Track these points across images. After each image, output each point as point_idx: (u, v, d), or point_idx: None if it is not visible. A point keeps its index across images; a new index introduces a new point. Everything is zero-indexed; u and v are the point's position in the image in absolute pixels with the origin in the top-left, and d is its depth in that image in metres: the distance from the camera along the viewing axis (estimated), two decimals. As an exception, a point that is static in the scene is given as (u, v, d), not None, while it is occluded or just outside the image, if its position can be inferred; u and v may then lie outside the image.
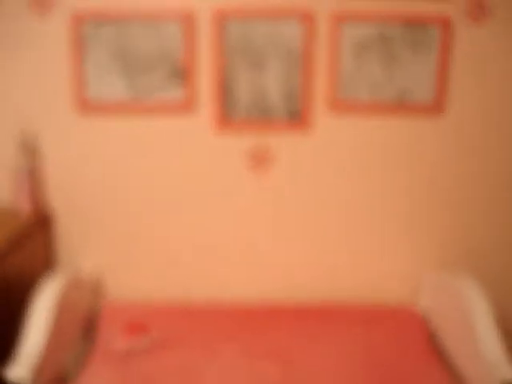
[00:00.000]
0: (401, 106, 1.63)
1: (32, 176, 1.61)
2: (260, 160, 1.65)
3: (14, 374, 1.22)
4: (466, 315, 1.40)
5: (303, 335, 1.57)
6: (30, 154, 1.61)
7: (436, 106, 1.63)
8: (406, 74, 1.60)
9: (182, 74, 1.58)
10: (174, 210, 1.69)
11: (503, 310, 1.74)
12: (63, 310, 1.40)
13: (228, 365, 1.43)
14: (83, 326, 1.61)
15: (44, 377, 1.28)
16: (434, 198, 1.71)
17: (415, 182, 1.69)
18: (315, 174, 1.68)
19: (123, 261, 1.73)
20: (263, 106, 1.61)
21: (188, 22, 1.56)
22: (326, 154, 1.67)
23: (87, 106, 1.60)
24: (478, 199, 1.72)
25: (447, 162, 1.69)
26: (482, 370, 1.30)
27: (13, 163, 1.61)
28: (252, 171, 1.66)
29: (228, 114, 1.61)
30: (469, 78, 1.63)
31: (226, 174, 1.67)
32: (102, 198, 1.68)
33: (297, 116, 1.62)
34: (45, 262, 1.66)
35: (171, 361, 1.45)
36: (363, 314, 1.68)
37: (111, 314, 1.63)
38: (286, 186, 1.68)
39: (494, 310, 1.42)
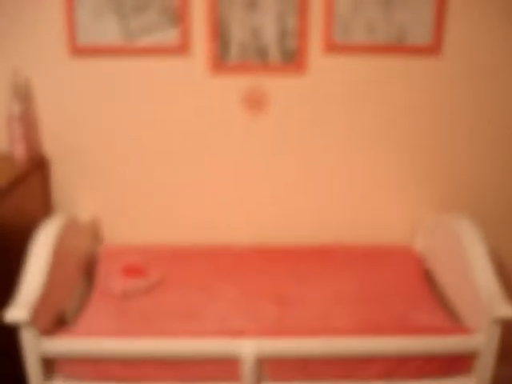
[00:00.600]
0: (398, 46, 1.60)
1: (25, 121, 1.60)
2: (255, 102, 1.64)
3: (12, 315, 1.23)
4: (462, 254, 1.41)
5: (300, 274, 1.59)
6: (23, 99, 1.60)
7: (433, 47, 1.61)
8: (403, 14, 1.57)
9: (175, 14, 1.55)
10: (170, 154, 1.69)
11: (500, 258, 1.74)
12: (61, 252, 1.41)
13: (225, 303, 1.45)
14: (82, 269, 1.63)
15: (43, 318, 1.29)
16: (432, 139, 1.69)
17: (413, 124, 1.68)
18: (311, 116, 1.67)
19: (119, 206, 1.74)
20: (258, 47, 1.58)
21: (179, -41, 1.52)
22: (321, 95, 1.65)
23: (79, 49, 1.58)
24: (477, 141, 1.71)
25: (444, 102, 1.66)
26: (477, 306, 1.31)
27: (6, 110, 1.60)
28: (247, 113, 1.65)
29: (222, 55, 1.59)
30: (467, 18, 1.59)
31: (220, 116, 1.66)
32: (97, 141, 1.67)
33: (292, 57, 1.60)
34: (42, 208, 1.67)
35: (169, 301, 1.46)
36: (360, 254, 1.69)
37: (109, 257, 1.65)
38: (282, 127, 1.67)
39: (490, 253, 1.41)
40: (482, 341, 1.30)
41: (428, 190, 1.73)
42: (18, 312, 1.24)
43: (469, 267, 1.37)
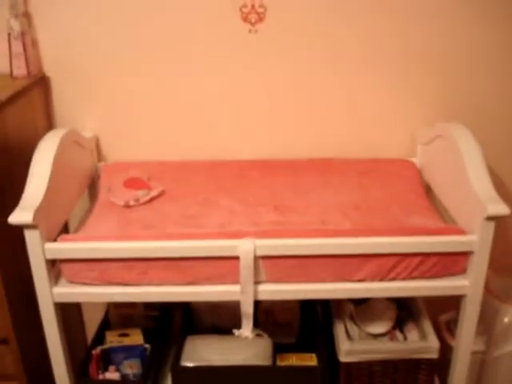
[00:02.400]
0: None
1: (25, 39, 1.61)
2: (254, 12, 1.62)
3: (16, 217, 1.26)
4: (458, 159, 1.42)
5: (299, 186, 1.61)
6: (22, 17, 1.60)
7: None
8: None
9: None
10: (170, 71, 1.70)
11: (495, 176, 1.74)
12: (64, 162, 1.44)
13: (225, 212, 1.47)
14: (85, 184, 1.65)
15: (47, 223, 1.32)
16: (430, 47, 1.68)
17: (410, 31, 1.66)
18: (311, 28, 1.65)
19: (120, 124, 1.75)
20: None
21: None
22: (322, 5, 1.62)
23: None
24: (477, 48, 1.68)
25: (444, 6, 1.63)
26: (472, 208, 1.33)
27: (4, 28, 1.60)
28: (246, 25, 1.64)
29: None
30: None
31: (219, 28, 1.64)
32: (98, 56, 1.68)
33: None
34: (44, 125, 1.68)
35: (170, 211, 1.49)
36: (360, 167, 1.71)
37: (110, 172, 1.67)
38: (281, 40, 1.67)
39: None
40: (477, 240, 1.32)
41: (427, 104, 1.73)
42: (22, 214, 1.26)
43: (464, 171, 1.38)
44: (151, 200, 1.55)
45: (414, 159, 1.73)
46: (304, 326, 1.73)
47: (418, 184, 1.62)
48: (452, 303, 1.49)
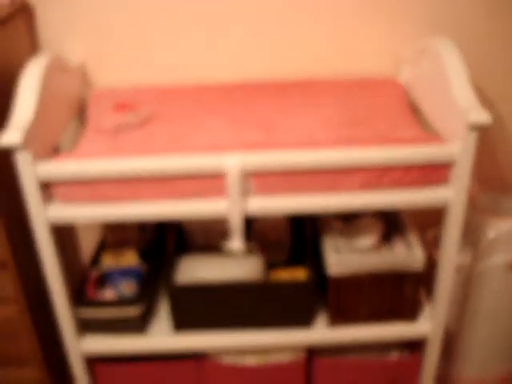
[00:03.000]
0: None
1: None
2: None
3: (5, 139, 1.27)
4: (441, 71, 1.43)
5: (286, 105, 1.62)
6: None
7: None
8: None
9: None
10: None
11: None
12: (51, 86, 1.45)
13: (213, 132, 1.49)
14: (74, 110, 1.67)
15: (37, 145, 1.33)
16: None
17: None
18: None
19: (107, 50, 1.75)
20: None
21: None
22: None
23: None
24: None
25: None
26: (455, 118, 1.35)
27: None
28: None
29: None
30: None
31: None
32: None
33: None
34: (30, 53, 1.68)
35: (159, 133, 1.51)
36: (345, 85, 1.73)
37: (99, 99, 1.68)
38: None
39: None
40: (459, 149, 1.34)
41: (414, 20, 1.73)
42: (10, 135, 1.27)
43: (448, 83, 1.40)
44: (141, 124, 1.56)
45: (399, 78, 1.73)
46: (295, 244, 1.78)
47: (403, 102, 1.64)
48: (438, 220, 1.52)
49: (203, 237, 1.77)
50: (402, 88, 1.70)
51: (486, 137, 1.92)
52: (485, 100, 1.80)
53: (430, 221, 1.81)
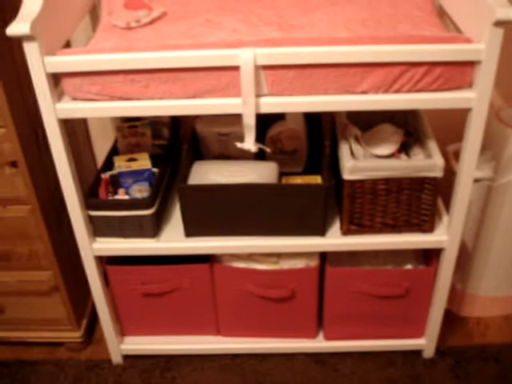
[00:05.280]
0: None
1: None
2: None
3: (14, 29, 1.23)
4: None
5: (305, 4, 1.57)
6: None
7: None
8: None
9: None
10: None
11: None
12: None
13: (229, 31, 1.44)
14: (87, 7, 1.62)
15: (47, 38, 1.29)
16: None
17: None
18: None
19: None
20: None
21: None
22: None
23: None
24: None
25: None
26: (480, 13, 1.29)
27: None
28: None
29: None
30: None
31: None
32: None
33: None
34: None
35: (173, 31, 1.46)
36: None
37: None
38: None
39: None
40: (484, 48, 1.28)
41: None
42: (19, 25, 1.24)
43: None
44: (152, 21, 1.52)
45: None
46: (312, 154, 1.74)
47: (428, 3, 1.56)
48: (461, 137, 1.46)
49: (219, 146, 1.73)
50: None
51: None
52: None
53: (452, 136, 1.75)
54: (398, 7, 1.53)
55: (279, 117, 1.68)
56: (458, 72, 1.33)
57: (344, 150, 1.53)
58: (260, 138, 1.60)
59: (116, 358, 1.88)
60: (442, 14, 1.57)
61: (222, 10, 1.55)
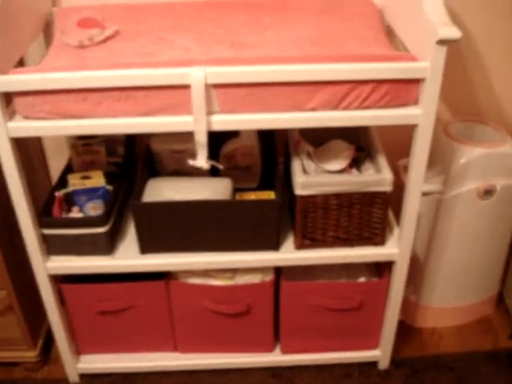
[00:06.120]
0: None
1: None
2: None
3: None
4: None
5: (257, 23, 1.58)
6: None
7: None
8: None
9: None
10: None
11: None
12: (14, 2, 1.39)
13: (181, 49, 1.45)
14: (40, 27, 1.62)
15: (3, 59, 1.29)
16: None
17: None
18: None
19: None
20: None
21: None
22: None
23: None
24: None
25: None
26: (424, 33, 1.33)
27: None
28: None
29: None
30: None
31: None
32: None
33: None
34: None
35: (126, 49, 1.47)
36: (318, 3, 1.68)
37: (66, 14, 1.63)
38: None
39: None
40: (428, 66, 1.32)
41: None
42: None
43: (420, 1, 1.36)
44: (106, 40, 1.52)
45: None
46: (266, 170, 1.76)
47: (377, 22, 1.60)
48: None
49: (173, 162, 1.74)
50: (376, 8, 1.66)
51: (459, 65, 1.89)
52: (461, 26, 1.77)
53: (404, 151, 1.79)
54: (348, 26, 1.57)
55: (234, 133, 1.70)
56: (404, 89, 1.37)
57: (296, 166, 1.56)
58: (215, 154, 1.62)
59: (73, 377, 1.87)
60: (390, 33, 1.61)
61: (174, 28, 1.57)
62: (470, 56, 1.88)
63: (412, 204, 1.54)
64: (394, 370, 1.92)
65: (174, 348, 1.86)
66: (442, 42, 1.30)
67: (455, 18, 1.76)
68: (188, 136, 1.48)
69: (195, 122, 1.35)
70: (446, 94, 1.81)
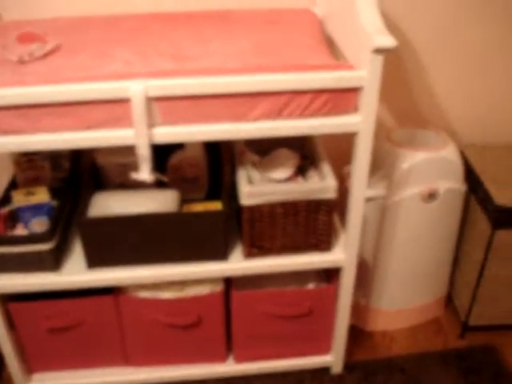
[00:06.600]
0: None
1: None
2: None
3: None
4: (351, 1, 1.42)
5: (199, 36, 1.59)
6: None
7: None
8: None
9: None
10: None
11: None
12: None
13: (122, 63, 1.45)
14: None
15: None
16: None
17: None
18: None
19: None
20: None
21: None
22: None
23: None
24: None
25: None
26: (361, 42, 1.35)
27: None
28: None
29: None
30: None
31: None
32: None
33: None
34: None
35: (67, 64, 1.46)
36: (260, 16, 1.70)
37: (5, 30, 1.61)
38: None
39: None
40: (365, 74, 1.35)
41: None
42: None
43: (356, 9, 1.39)
44: (46, 55, 1.51)
45: (315, 9, 1.72)
46: (213, 181, 1.77)
47: (317, 33, 1.63)
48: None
49: (119, 175, 1.73)
50: (317, 19, 1.69)
51: (401, 73, 1.94)
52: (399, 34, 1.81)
53: (348, 159, 1.82)
54: (289, 37, 1.60)
55: (180, 145, 1.71)
56: (344, 98, 1.40)
57: (241, 176, 1.57)
58: (162, 165, 1.62)
59: (25, 397, 1.84)
60: (331, 43, 1.64)
61: (117, 42, 1.57)
62: (412, 64, 1.93)
63: (356, 210, 1.57)
64: (346, 375, 1.94)
65: (126, 362, 1.85)
66: (377, 51, 1.33)
67: (394, 28, 1.80)
68: (132, 149, 1.48)
69: (136, 135, 1.35)
70: (390, 101, 1.86)
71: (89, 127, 1.36)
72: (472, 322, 2.05)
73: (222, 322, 1.77)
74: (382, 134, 1.84)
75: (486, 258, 1.88)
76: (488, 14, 1.86)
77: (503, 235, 1.82)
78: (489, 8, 1.84)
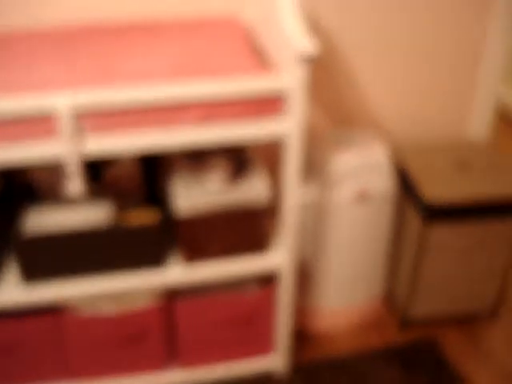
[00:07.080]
0: None
1: None
2: None
3: None
4: (275, 7, 1.44)
5: (126, 48, 1.59)
6: None
7: None
8: None
9: None
10: None
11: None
12: None
13: (47, 77, 1.44)
14: None
15: None
16: None
17: None
18: None
19: None
20: None
21: None
22: None
23: None
24: None
25: None
26: (286, 51, 1.38)
27: None
28: None
29: None
30: None
31: None
32: None
33: None
34: None
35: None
36: (187, 27, 1.71)
37: None
38: None
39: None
40: (289, 80, 1.37)
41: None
42: None
43: (280, 15, 1.41)
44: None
45: (243, 17, 1.75)
46: (149, 189, 1.77)
47: (244, 41, 1.65)
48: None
49: (52, 187, 1.72)
50: (243, 27, 1.71)
51: (335, 78, 1.98)
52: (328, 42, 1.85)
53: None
54: (214, 48, 1.61)
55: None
56: (270, 105, 1.42)
57: (175, 185, 1.58)
58: (98, 176, 1.61)
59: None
60: (259, 51, 1.67)
61: (41, 57, 1.56)
62: (343, 65, 1.96)
63: (289, 214, 1.59)
64: (291, 377, 1.96)
65: (71, 375, 1.82)
66: (302, 58, 1.35)
67: (324, 34, 1.84)
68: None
69: (64, 150, 1.34)
70: (323, 104, 1.89)
71: (14, 143, 1.34)
72: (411, 317, 2.10)
73: (164, 333, 1.76)
74: (313, 137, 1.87)
75: (420, 255, 1.93)
76: (414, 14, 1.91)
77: (435, 231, 1.87)
78: (415, 9, 1.89)
